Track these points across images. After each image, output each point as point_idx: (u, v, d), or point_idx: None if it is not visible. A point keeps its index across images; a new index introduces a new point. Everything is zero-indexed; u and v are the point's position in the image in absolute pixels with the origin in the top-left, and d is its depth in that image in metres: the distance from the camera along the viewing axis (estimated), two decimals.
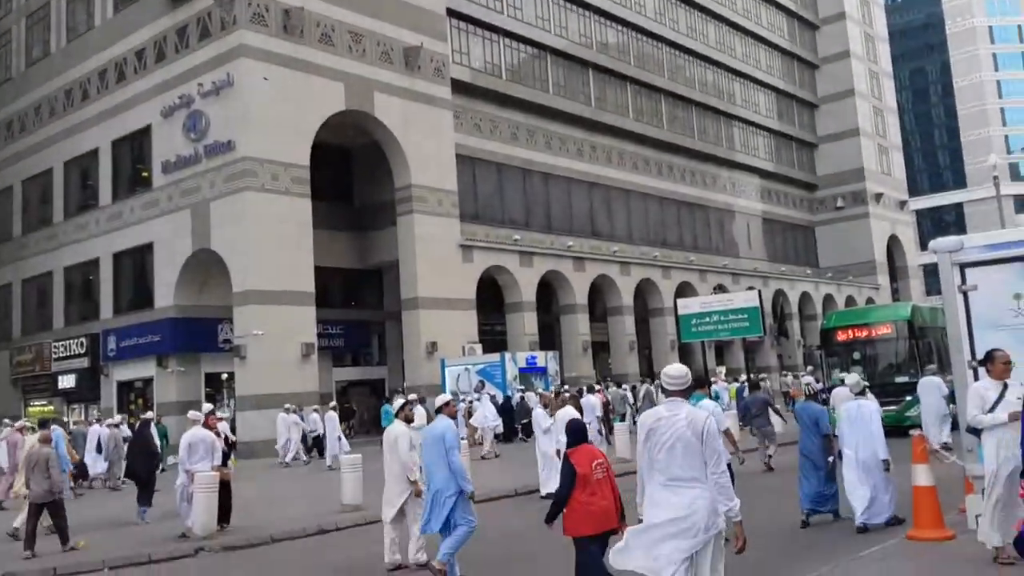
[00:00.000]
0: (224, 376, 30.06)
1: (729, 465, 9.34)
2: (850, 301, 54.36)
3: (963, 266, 8.15)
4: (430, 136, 32.14)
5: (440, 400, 8.66)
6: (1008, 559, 6.89)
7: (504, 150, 37.45)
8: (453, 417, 8.71)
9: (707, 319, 22.77)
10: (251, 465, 22.95)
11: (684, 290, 41.96)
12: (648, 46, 46.18)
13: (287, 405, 24.13)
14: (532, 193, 39.02)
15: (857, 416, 9.88)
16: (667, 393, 5.29)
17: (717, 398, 22.89)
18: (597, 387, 25.81)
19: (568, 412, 14.15)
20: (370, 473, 13.06)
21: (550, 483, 12.78)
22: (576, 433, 6.67)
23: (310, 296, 27.92)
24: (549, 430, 13.65)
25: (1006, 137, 77.21)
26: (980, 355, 7.67)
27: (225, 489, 12.32)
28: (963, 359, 8.34)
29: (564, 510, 6.34)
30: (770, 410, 17.58)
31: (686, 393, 5.28)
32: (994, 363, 7.21)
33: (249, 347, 26.39)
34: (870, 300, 55.14)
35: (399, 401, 9.77)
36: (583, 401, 17.22)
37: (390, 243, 32.55)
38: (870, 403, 10.07)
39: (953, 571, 7.23)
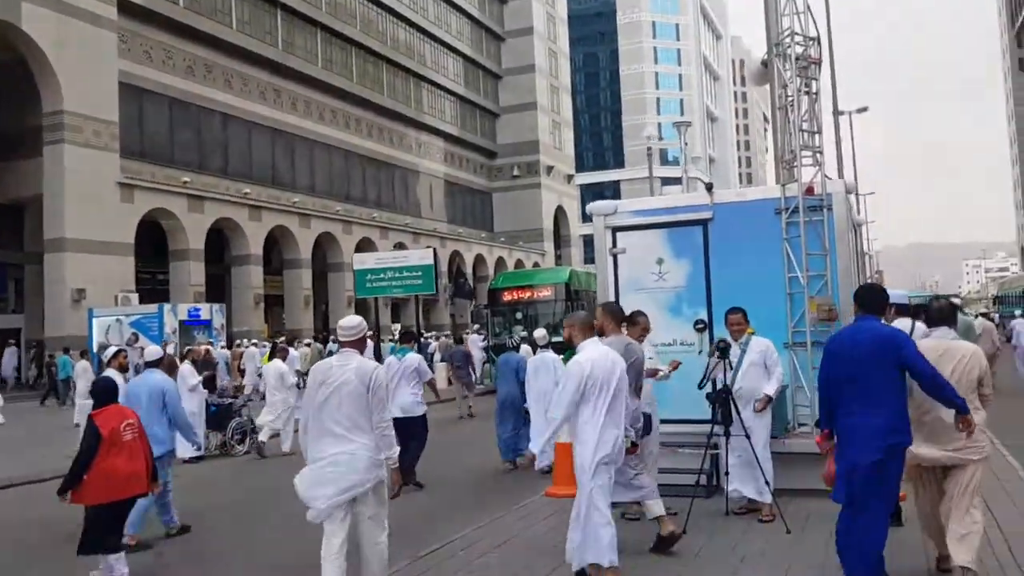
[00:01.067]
0: None
1: (425, 415, 10.04)
2: (519, 264, 57.72)
3: (615, 230, 8.66)
4: (89, 59, 28.61)
5: (154, 353, 8.42)
6: (633, 515, 7.01)
7: (178, 84, 34.49)
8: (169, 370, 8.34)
9: (382, 275, 22.63)
10: None
11: (365, 246, 41.77)
12: None
13: None
14: (208, 134, 36.42)
15: (542, 367, 10.59)
16: (340, 344, 5.34)
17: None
18: (306, 342, 26.64)
19: (277, 365, 13.39)
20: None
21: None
22: (104, 393, 6.44)
23: None
24: (196, 388, 12.94)
25: (659, 125, 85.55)
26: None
27: None
28: None
29: (84, 478, 6.05)
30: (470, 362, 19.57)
31: (360, 344, 5.32)
32: (635, 326, 7.30)
33: None
34: (536, 264, 59.02)
35: (112, 349, 9.14)
36: (290, 354, 17.33)
37: (34, 175, 28.63)
38: (553, 356, 10.85)
39: None
